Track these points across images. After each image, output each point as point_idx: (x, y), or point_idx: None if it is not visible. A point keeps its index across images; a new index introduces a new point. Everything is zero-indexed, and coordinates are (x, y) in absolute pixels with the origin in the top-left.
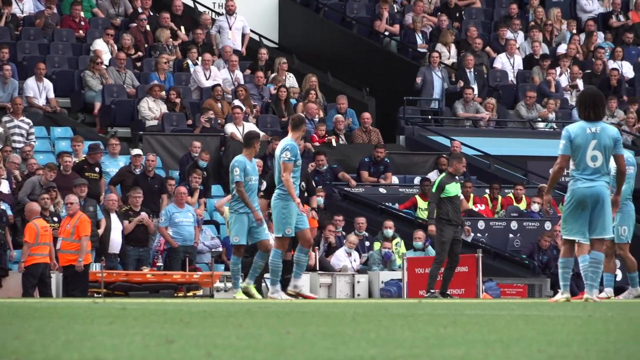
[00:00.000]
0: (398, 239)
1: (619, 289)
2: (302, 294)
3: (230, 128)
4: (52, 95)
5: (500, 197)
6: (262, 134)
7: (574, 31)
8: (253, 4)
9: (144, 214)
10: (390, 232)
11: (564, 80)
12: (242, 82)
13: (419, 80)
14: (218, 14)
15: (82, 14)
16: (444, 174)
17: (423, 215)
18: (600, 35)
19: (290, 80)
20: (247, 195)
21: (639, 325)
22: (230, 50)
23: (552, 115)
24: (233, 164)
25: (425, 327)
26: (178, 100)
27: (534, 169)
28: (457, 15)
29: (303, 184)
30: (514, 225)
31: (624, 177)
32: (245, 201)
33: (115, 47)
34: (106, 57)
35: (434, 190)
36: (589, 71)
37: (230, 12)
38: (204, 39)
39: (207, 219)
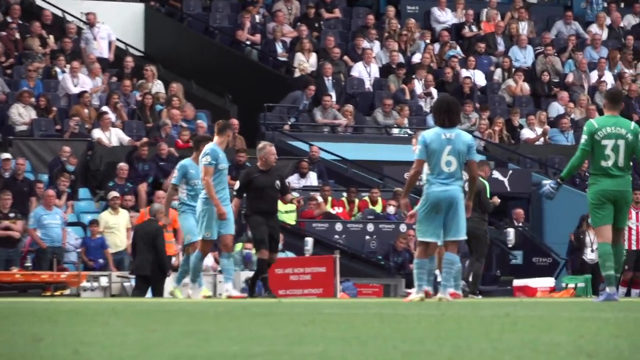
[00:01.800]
0: None
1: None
2: (233, 296)
3: (97, 133)
4: None
5: (357, 200)
6: (128, 138)
7: (428, 41)
8: (119, 13)
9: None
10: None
11: (418, 88)
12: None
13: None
14: (86, 23)
15: None
16: (482, 179)
17: (283, 217)
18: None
19: (158, 87)
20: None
21: (489, 323)
22: (94, 59)
23: (406, 122)
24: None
25: (285, 325)
26: (54, 109)
27: (389, 173)
28: (317, 25)
29: (278, 182)
30: (370, 227)
31: (475, 182)
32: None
33: None
34: None
35: (488, 195)
36: (442, 79)
37: (91, 24)
38: (72, 47)
39: (74, 220)
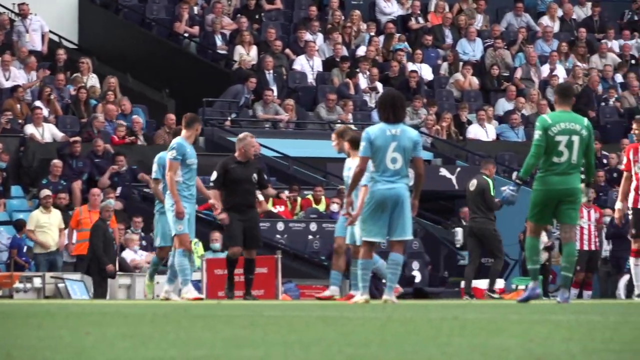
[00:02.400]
0: (196, 240)
1: None
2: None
3: (29, 129)
4: None
5: (299, 199)
6: (62, 134)
7: (373, 33)
8: (52, 4)
9: None
10: None
11: (363, 82)
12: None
13: None
14: (17, 14)
15: None
16: (486, 178)
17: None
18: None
19: (93, 81)
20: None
21: (437, 327)
22: (26, 52)
23: (350, 117)
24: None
25: (224, 328)
26: None
27: (333, 171)
28: (257, 17)
29: (255, 175)
30: (313, 226)
31: (422, 180)
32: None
33: None
34: None
35: (493, 194)
36: (388, 73)
37: (24, 15)
38: (3, 40)
39: (6, 219)
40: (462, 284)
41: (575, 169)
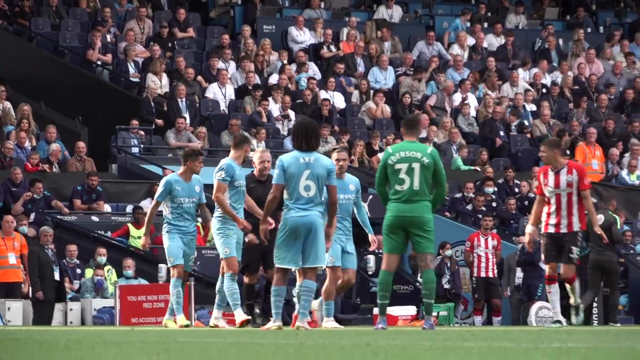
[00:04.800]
0: (110, 267)
1: None
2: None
3: None
4: None
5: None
6: None
7: (285, 61)
8: None
9: None
10: (103, 259)
11: (275, 110)
12: None
13: None
14: None
15: None
16: (612, 213)
17: (135, 243)
18: (313, 65)
19: (6, 108)
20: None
21: (349, 353)
22: None
23: (263, 145)
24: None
25: (137, 354)
26: None
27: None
28: (170, 45)
29: None
30: None
31: (336, 207)
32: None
33: None
34: None
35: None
36: (300, 101)
37: None
38: None
39: None
40: (375, 310)
41: (420, 196)
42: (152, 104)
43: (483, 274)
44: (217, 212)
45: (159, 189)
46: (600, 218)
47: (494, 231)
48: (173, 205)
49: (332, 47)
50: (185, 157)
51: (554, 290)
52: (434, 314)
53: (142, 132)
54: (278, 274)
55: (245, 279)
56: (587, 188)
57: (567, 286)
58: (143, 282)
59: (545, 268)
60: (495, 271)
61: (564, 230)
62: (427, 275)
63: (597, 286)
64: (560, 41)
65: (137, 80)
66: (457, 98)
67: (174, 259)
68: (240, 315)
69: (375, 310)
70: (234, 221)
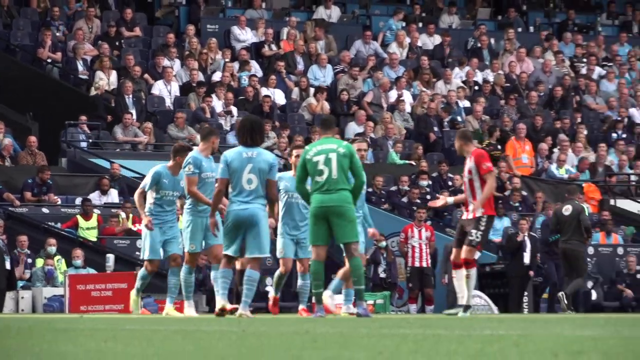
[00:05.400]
0: (59, 257)
1: None
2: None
3: None
4: None
5: None
6: None
7: (228, 59)
8: None
9: None
10: (53, 249)
11: (218, 107)
12: None
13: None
14: None
15: None
16: (579, 203)
17: (84, 234)
18: (254, 63)
19: None
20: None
21: (290, 340)
22: None
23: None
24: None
25: (86, 341)
26: None
27: None
28: (117, 43)
29: None
30: None
31: (276, 201)
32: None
33: None
34: None
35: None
36: (242, 98)
37: None
38: None
39: None
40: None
41: (339, 185)
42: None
43: (417, 264)
44: (188, 204)
45: (148, 179)
46: (567, 208)
47: (428, 223)
48: (157, 196)
49: (273, 46)
50: (174, 152)
51: (458, 276)
52: (370, 302)
53: (87, 129)
54: (225, 259)
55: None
56: (485, 172)
57: (464, 272)
58: (91, 271)
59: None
60: (430, 261)
61: (466, 216)
62: (354, 263)
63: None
64: (492, 40)
65: (85, 77)
66: (393, 95)
67: (149, 253)
68: (190, 306)
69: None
70: (216, 210)
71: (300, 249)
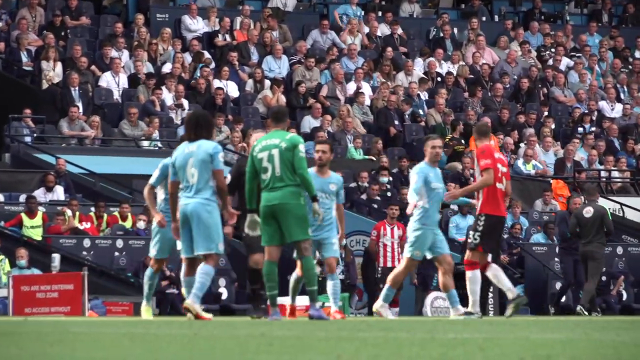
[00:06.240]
0: (2, 256)
1: None
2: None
3: None
4: None
5: (105, 215)
6: None
7: (179, 50)
8: None
9: None
10: None
11: (169, 99)
12: None
13: None
14: None
15: None
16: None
17: (29, 233)
18: (206, 54)
19: None
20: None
21: (244, 343)
22: None
23: (156, 134)
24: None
25: (31, 345)
26: None
27: (139, 188)
28: (63, 34)
29: None
30: (119, 243)
31: (224, 192)
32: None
33: None
34: None
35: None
36: (194, 90)
37: None
38: None
39: None
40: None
41: (283, 182)
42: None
43: (389, 264)
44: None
45: (156, 173)
46: (588, 210)
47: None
48: (167, 191)
49: (227, 36)
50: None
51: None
52: (323, 303)
53: (31, 123)
54: (186, 262)
55: (250, 262)
56: (482, 169)
57: (468, 274)
58: (36, 272)
59: None
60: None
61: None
62: (305, 263)
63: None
64: (455, 30)
65: (30, 69)
66: (352, 87)
67: (158, 252)
68: (146, 307)
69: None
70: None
71: (325, 249)
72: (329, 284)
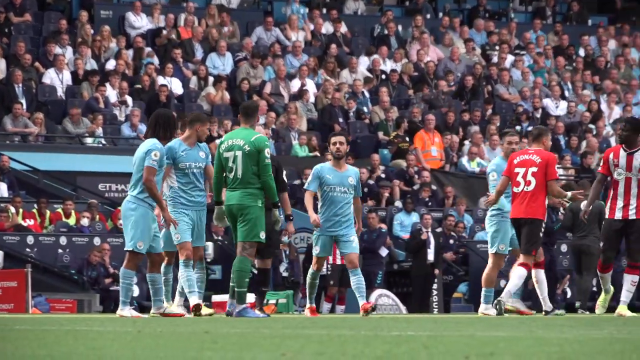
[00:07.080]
0: None
1: None
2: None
3: None
4: None
5: (49, 212)
6: None
7: (123, 47)
8: None
9: None
10: None
11: (113, 96)
12: None
13: None
14: None
15: None
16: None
17: None
18: (150, 51)
19: None
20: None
21: (187, 341)
22: None
23: (100, 131)
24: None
25: None
26: None
27: (83, 184)
28: (6, 30)
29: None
30: (63, 240)
31: (149, 187)
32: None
33: None
34: None
35: None
36: (139, 87)
37: None
38: None
39: None
40: (213, 298)
41: (243, 184)
42: None
43: (339, 262)
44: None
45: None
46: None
47: None
48: (178, 173)
49: (172, 34)
50: (191, 121)
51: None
52: (272, 301)
53: None
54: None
55: (259, 264)
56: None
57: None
58: None
59: None
60: None
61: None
62: (236, 263)
63: (580, 271)
64: (400, 27)
65: None
66: (296, 84)
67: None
68: (194, 300)
69: (215, 298)
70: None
71: (344, 246)
72: (353, 280)
